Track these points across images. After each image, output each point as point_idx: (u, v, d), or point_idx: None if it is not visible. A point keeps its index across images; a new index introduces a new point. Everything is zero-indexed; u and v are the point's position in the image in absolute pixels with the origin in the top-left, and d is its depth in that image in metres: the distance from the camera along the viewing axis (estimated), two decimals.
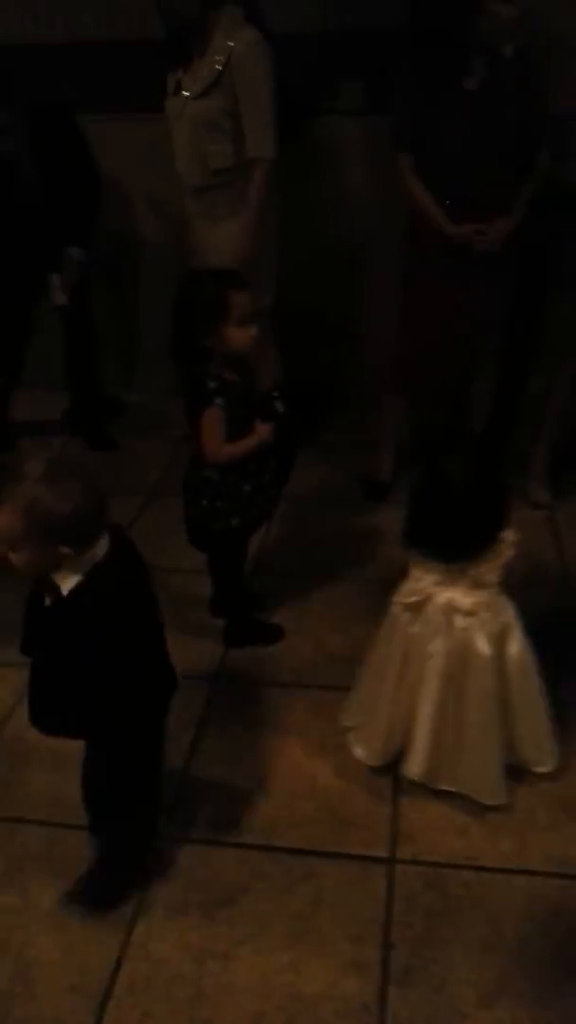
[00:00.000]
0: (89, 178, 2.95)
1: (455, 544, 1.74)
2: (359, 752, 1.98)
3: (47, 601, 1.48)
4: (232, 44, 2.55)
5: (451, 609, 1.78)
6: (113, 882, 1.74)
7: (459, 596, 1.77)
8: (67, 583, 1.44)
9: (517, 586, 1.85)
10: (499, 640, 1.79)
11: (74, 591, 1.44)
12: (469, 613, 1.77)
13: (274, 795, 1.91)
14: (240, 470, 2.09)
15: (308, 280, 3.14)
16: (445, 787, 1.88)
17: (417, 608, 1.80)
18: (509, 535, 1.77)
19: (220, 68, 2.55)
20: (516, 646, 1.81)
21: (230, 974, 1.57)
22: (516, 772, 1.89)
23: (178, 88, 2.65)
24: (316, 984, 1.55)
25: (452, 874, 1.72)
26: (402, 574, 1.85)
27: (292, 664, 2.29)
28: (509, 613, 1.82)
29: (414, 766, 1.87)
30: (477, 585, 1.77)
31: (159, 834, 1.80)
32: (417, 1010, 1.50)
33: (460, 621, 1.78)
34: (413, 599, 1.80)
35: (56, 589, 1.45)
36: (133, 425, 3.52)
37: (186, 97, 2.63)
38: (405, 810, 1.86)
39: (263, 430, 2.05)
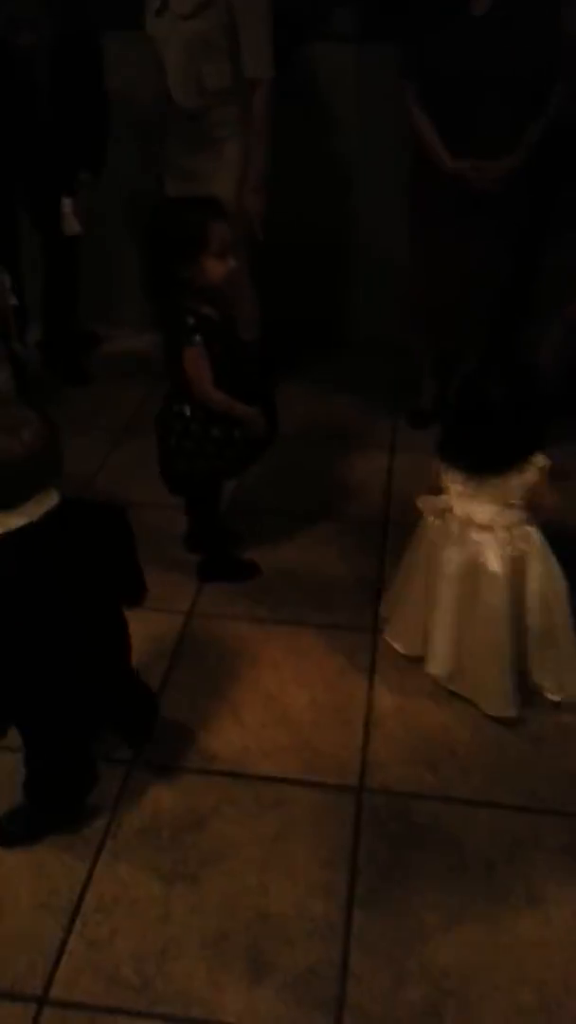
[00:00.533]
0: (100, 99, 2.84)
1: (479, 456, 1.79)
2: (394, 644, 2.08)
3: None
4: None
5: (468, 521, 1.83)
6: (27, 822, 1.69)
7: (477, 510, 1.81)
8: None
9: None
10: (517, 564, 1.82)
11: None
12: (483, 528, 1.81)
13: (246, 725, 1.92)
14: (209, 411, 2.05)
15: (297, 210, 3.07)
16: (458, 690, 1.95)
17: (439, 516, 1.87)
18: (539, 460, 1.79)
19: None
20: (537, 574, 1.84)
21: (198, 895, 1.59)
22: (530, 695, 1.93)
23: (164, 6, 2.54)
24: (283, 905, 1.57)
25: (420, 804, 1.74)
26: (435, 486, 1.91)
27: (266, 600, 2.28)
28: (532, 541, 1.84)
29: (434, 666, 1.96)
30: (497, 502, 1.80)
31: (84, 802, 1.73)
32: (381, 931, 1.53)
33: (474, 534, 1.82)
34: (437, 507, 1.87)
35: None
36: (107, 359, 3.46)
37: (176, 16, 2.52)
38: (376, 743, 1.87)
39: (255, 414, 2.05)
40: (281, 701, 1.98)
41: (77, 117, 2.75)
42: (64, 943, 1.52)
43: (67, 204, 2.83)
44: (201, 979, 1.46)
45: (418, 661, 2.02)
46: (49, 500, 1.39)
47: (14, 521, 1.36)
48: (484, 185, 2.48)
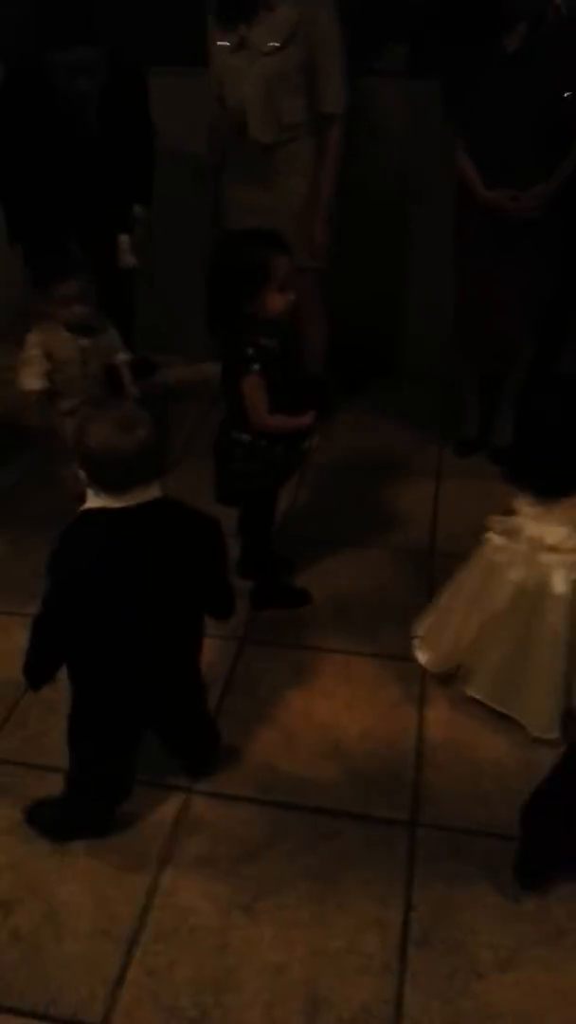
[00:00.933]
0: (148, 132, 2.88)
1: (547, 478, 1.82)
2: (422, 657, 2.11)
3: None
4: None
5: (537, 542, 1.85)
6: (58, 816, 1.76)
7: (547, 531, 1.84)
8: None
9: None
10: None
11: (70, 521, 1.51)
12: (552, 549, 1.83)
13: (299, 755, 1.94)
14: (274, 435, 2.09)
15: (347, 243, 3.09)
16: (503, 710, 1.97)
17: (507, 536, 1.89)
18: None
19: (297, 21, 2.50)
20: None
21: (255, 926, 1.61)
22: None
23: (242, 44, 2.57)
24: (338, 940, 1.59)
25: (473, 840, 1.75)
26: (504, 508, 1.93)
27: (318, 628, 2.31)
28: None
29: (477, 686, 1.98)
30: (568, 523, 1.83)
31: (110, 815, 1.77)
32: (435, 969, 1.54)
33: (543, 556, 1.84)
34: (504, 527, 1.89)
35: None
36: (160, 387, 3.51)
37: (256, 52, 2.56)
38: (428, 775, 1.89)
39: (310, 417, 2.08)
40: (334, 731, 2.00)
41: (127, 153, 2.81)
42: (124, 971, 1.55)
43: (124, 240, 2.88)
44: (258, 1013, 1.49)
45: (449, 680, 2.06)
46: (150, 492, 1.51)
47: (114, 503, 1.48)
48: (521, 213, 2.53)
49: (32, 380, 2.48)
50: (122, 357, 2.64)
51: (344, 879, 1.69)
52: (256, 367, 1.99)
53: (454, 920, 1.61)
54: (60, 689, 2.06)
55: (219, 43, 2.61)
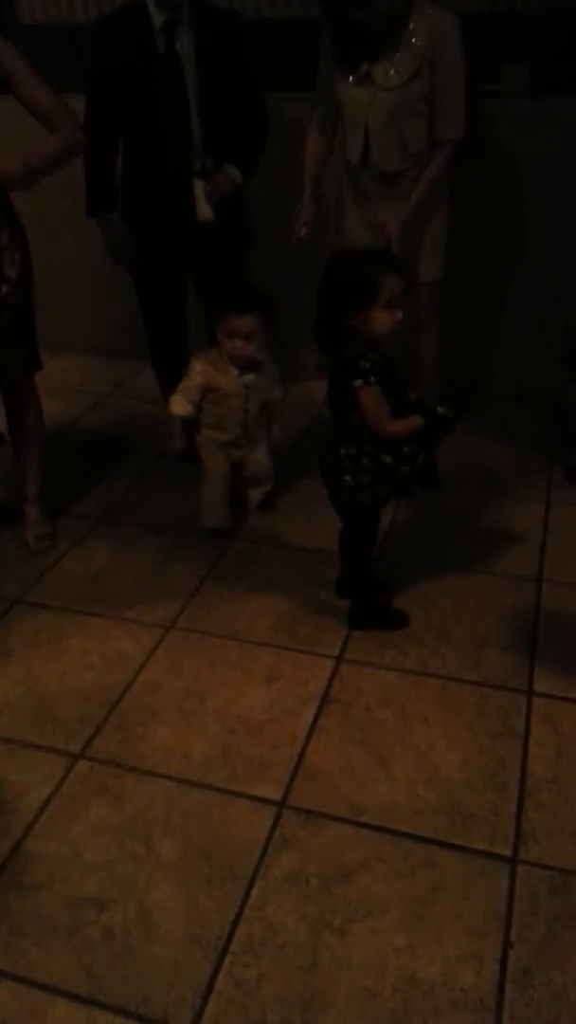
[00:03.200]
0: (259, 105, 2.76)
1: None
2: None
3: None
4: (433, 28, 2.52)
5: None
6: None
7: None
8: None
9: None
10: None
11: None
12: None
13: (396, 780, 1.90)
14: (377, 442, 2.07)
15: (462, 259, 3.08)
16: None
17: None
18: None
19: (423, 57, 2.52)
20: None
21: (345, 948, 1.58)
22: None
23: (366, 78, 2.59)
24: (432, 971, 1.54)
25: None
26: None
27: (415, 651, 2.26)
28: None
29: None
30: None
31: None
32: (535, 1013, 1.47)
33: None
34: None
35: None
36: None
37: (379, 88, 2.58)
38: (531, 812, 1.82)
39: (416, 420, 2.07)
40: (431, 758, 1.95)
41: (227, 107, 2.65)
42: (212, 980, 1.54)
43: (200, 188, 2.71)
44: None
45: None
46: None
47: None
48: None
49: (182, 406, 2.57)
50: (278, 393, 2.68)
51: (440, 909, 1.64)
52: (373, 379, 1.99)
53: (557, 962, 1.54)
54: (158, 691, 2.10)
55: (339, 77, 2.63)
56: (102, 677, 2.21)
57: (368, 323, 1.99)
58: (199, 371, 2.53)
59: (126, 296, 3.06)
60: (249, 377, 2.55)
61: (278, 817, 1.83)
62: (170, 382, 2.76)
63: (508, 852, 1.73)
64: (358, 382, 1.99)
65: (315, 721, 2.06)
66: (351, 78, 2.61)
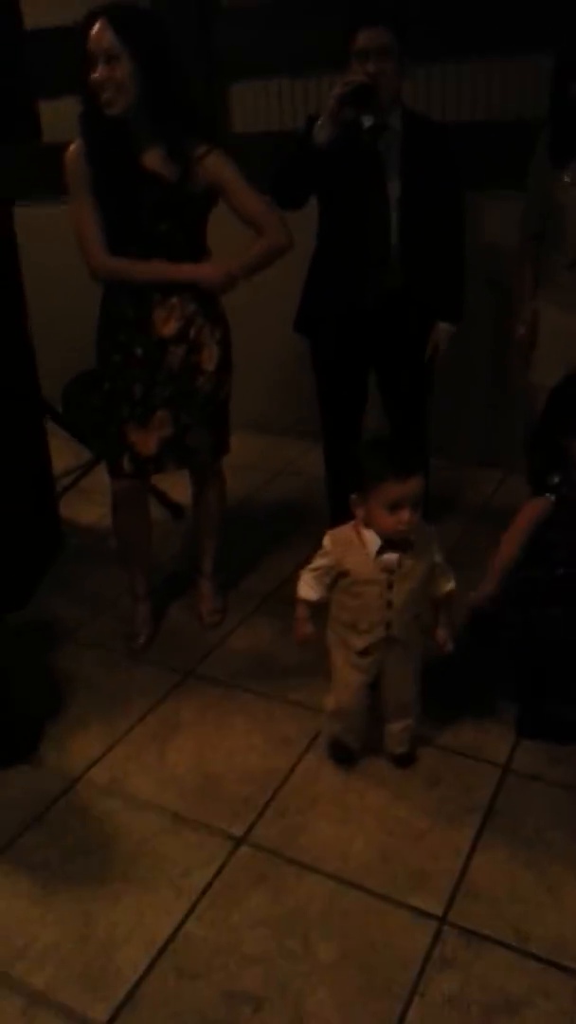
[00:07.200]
0: (459, 242, 2.79)
1: None
2: None
3: None
4: None
5: None
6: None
7: None
8: None
9: None
10: None
11: None
12: None
13: (566, 909, 1.80)
14: (548, 559, 2.01)
15: None
16: None
17: None
18: None
19: None
20: None
21: None
22: None
23: None
24: None
25: None
26: None
27: None
28: None
29: None
30: None
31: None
32: None
33: None
34: None
35: None
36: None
37: None
38: None
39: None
40: None
41: (435, 244, 2.72)
42: None
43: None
44: None
45: None
46: None
47: None
48: None
49: (311, 588, 2.04)
50: (448, 584, 2.04)
51: None
52: (549, 496, 1.96)
53: None
54: (318, 780, 2.09)
55: (560, 177, 2.62)
56: (265, 760, 2.24)
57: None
58: (328, 548, 1.99)
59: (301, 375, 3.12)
60: (391, 557, 1.92)
61: (439, 933, 1.77)
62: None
63: None
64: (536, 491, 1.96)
65: (477, 838, 1.99)
66: (566, 178, 2.60)
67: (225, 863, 1.95)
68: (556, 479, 1.95)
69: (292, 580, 3.00)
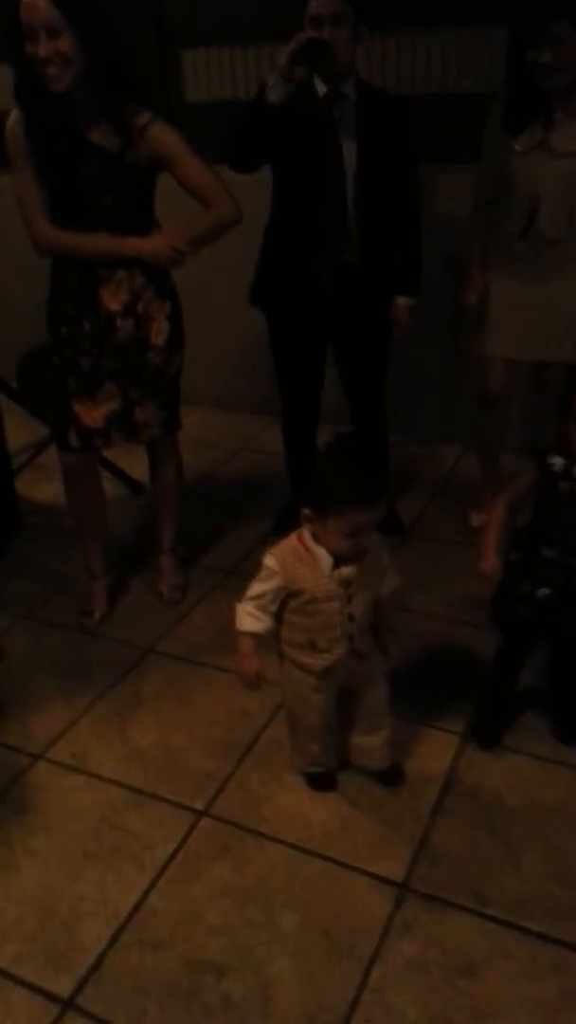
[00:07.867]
0: (415, 215, 2.77)
1: None
2: None
3: None
4: None
5: None
6: None
7: None
8: None
9: None
10: None
11: None
12: None
13: (524, 871, 1.84)
14: (542, 538, 2.00)
15: None
16: None
17: None
18: None
19: None
20: None
21: None
22: None
23: (540, 145, 2.57)
24: None
25: None
26: None
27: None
28: None
29: None
30: None
31: None
32: None
33: None
34: None
35: None
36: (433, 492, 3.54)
37: (552, 154, 2.57)
38: None
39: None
40: (569, 855, 1.87)
41: (391, 221, 2.71)
42: None
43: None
44: None
45: None
46: None
47: None
48: None
49: (252, 619, 1.83)
50: (393, 583, 1.89)
51: (571, 1017, 1.56)
52: (541, 465, 1.96)
53: None
54: (280, 752, 2.09)
55: (507, 147, 2.61)
56: (227, 733, 2.24)
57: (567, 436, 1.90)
58: (273, 569, 1.79)
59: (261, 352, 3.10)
60: (348, 570, 1.78)
61: (399, 899, 1.79)
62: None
63: None
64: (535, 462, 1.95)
65: (438, 803, 2.01)
66: (518, 147, 2.60)
67: (187, 836, 1.95)
68: (554, 460, 1.93)
69: (253, 556, 3.03)
